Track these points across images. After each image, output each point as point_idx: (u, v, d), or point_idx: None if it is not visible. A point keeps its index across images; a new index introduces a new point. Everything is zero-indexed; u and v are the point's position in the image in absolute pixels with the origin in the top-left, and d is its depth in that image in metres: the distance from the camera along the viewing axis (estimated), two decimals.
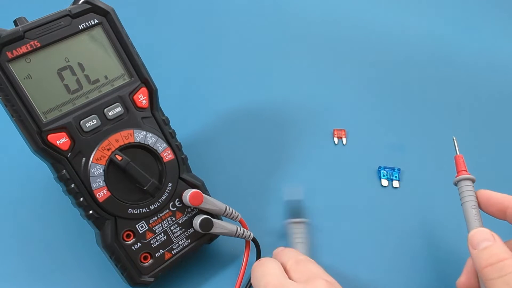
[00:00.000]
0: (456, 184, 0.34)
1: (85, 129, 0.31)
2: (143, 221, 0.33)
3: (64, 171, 0.30)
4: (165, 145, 0.34)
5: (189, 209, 0.35)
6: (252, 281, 0.32)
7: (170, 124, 0.35)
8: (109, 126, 0.32)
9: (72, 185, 0.31)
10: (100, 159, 0.31)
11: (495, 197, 0.30)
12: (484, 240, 0.28)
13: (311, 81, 0.54)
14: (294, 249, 0.35)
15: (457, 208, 0.37)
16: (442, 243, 0.37)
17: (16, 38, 0.29)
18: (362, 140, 0.47)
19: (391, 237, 0.40)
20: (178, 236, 0.34)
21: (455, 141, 0.37)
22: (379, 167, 0.44)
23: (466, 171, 0.34)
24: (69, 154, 0.31)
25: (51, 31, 0.30)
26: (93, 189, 0.31)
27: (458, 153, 0.36)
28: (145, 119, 0.34)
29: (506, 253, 0.27)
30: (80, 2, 0.32)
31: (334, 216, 0.35)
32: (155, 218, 0.34)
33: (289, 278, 0.31)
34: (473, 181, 0.34)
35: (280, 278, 0.30)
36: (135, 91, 0.33)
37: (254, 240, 0.37)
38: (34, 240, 0.38)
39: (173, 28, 0.60)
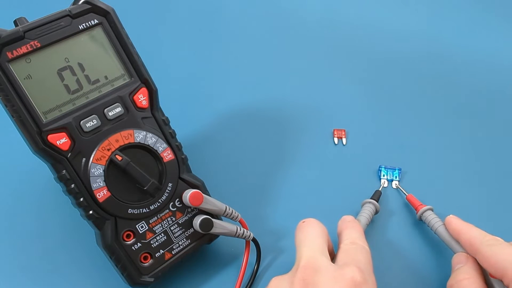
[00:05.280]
0: (420, 218, 0.39)
1: (85, 129, 0.31)
2: (143, 221, 0.33)
3: (64, 171, 0.30)
4: (165, 145, 0.34)
5: (189, 209, 0.35)
6: (295, 237, 0.32)
7: (170, 124, 0.35)
8: (109, 126, 0.32)
9: (72, 185, 0.31)
10: (100, 159, 0.31)
11: (454, 222, 0.35)
12: (459, 263, 0.33)
13: (311, 81, 0.54)
14: (359, 226, 0.34)
15: (456, 207, 0.38)
16: (441, 242, 0.37)
17: (16, 38, 0.29)
18: (362, 140, 0.47)
19: (390, 236, 0.40)
20: (178, 236, 0.34)
21: (399, 187, 0.42)
22: (379, 167, 0.44)
23: (422, 204, 0.39)
24: (69, 154, 0.31)
25: (51, 31, 0.30)
26: (93, 189, 0.31)
27: (407, 194, 0.41)
28: (145, 119, 0.34)
29: (467, 274, 0.31)
30: (80, 2, 0.32)
31: (334, 216, 0.35)
32: (155, 218, 0.34)
33: (335, 255, 0.31)
34: (432, 210, 0.38)
35: (317, 252, 0.29)
36: (135, 91, 0.33)
37: (254, 240, 0.37)
38: (33, 241, 0.38)
39: (173, 28, 0.60)
